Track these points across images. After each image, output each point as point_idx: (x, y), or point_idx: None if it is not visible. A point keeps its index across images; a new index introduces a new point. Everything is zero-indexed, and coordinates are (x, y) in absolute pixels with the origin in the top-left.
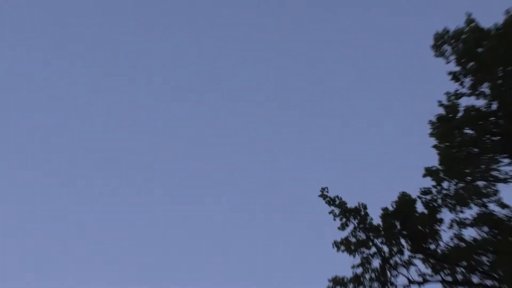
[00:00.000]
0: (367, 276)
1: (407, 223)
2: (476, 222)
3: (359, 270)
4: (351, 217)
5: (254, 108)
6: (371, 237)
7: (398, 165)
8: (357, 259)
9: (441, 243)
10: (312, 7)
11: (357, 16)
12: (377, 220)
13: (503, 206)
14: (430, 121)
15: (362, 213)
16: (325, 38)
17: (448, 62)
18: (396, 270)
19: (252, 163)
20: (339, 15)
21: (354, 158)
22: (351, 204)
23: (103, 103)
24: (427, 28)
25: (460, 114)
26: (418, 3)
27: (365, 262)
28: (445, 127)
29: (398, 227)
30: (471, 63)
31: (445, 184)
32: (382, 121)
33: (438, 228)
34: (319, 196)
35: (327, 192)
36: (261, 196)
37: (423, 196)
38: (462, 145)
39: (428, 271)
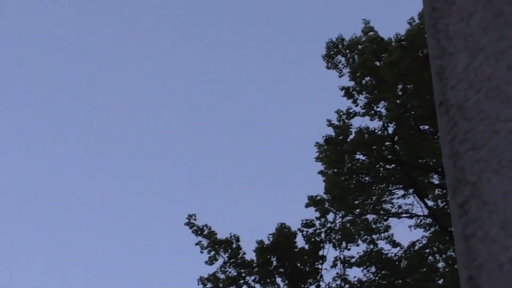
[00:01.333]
0: None
1: (285, 259)
2: (363, 261)
3: None
4: (221, 250)
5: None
6: (243, 274)
7: (278, 192)
8: None
9: (322, 283)
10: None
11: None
12: (251, 255)
13: (394, 244)
14: (317, 143)
15: (234, 246)
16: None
17: (341, 76)
18: None
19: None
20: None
21: (227, 181)
22: (222, 235)
23: None
24: (318, 34)
25: (351, 137)
26: (309, 4)
27: None
28: (334, 151)
29: (275, 263)
30: (367, 78)
31: (330, 216)
32: (261, 140)
33: (319, 266)
34: (185, 224)
35: (195, 219)
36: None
37: (305, 229)
38: (352, 172)
39: None
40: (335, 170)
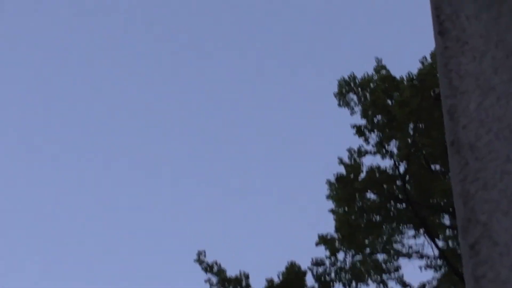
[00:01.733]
0: None
1: None
2: None
3: None
4: (230, 287)
5: None
6: None
7: (288, 229)
8: None
9: None
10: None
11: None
12: None
13: (405, 285)
14: (328, 181)
15: (244, 283)
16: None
17: (353, 114)
18: None
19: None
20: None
21: (237, 219)
22: (231, 272)
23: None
24: (330, 71)
25: (363, 175)
26: (324, 40)
27: None
28: (345, 190)
29: None
30: (379, 117)
31: (340, 255)
32: (272, 176)
33: None
34: (195, 261)
35: (205, 256)
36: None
37: (315, 268)
38: (363, 211)
39: None
40: (346, 208)
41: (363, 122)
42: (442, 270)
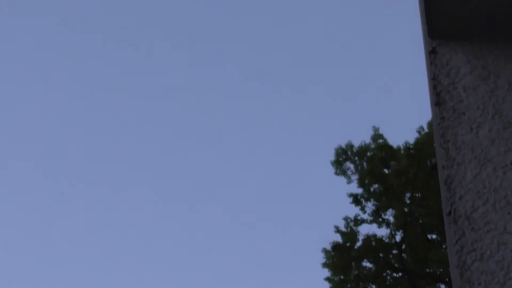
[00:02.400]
0: None
1: None
2: None
3: None
4: None
5: None
6: None
7: None
8: None
9: None
10: None
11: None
12: None
13: None
14: (324, 249)
15: None
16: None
17: (349, 182)
18: None
19: None
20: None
21: (232, 281)
22: None
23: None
24: (326, 139)
25: (359, 244)
26: (322, 107)
27: None
28: (341, 258)
29: None
30: (376, 186)
31: None
32: (267, 243)
33: None
34: None
35: None
36: None
37: None
38: (359, 279)
39: None
40: (342, 277)
41: (359, 190)
42: None
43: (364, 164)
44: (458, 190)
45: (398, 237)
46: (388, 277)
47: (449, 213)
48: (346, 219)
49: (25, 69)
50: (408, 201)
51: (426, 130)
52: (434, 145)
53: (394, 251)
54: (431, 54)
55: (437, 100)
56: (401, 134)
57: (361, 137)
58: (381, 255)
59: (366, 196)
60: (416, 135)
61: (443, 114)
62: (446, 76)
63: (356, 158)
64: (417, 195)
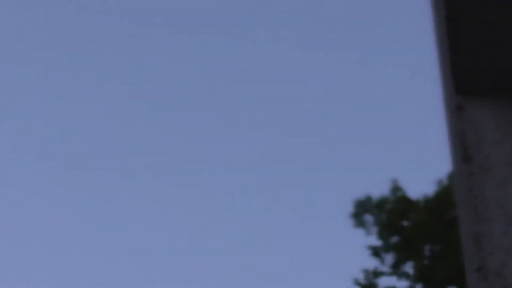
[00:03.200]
0: None
1: None
2: None
3: None
4: None
5: None
6: None
7: None
8: None
9: None
10: None
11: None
12: None
13: None
14: None
15: None
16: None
17: (368, 234)
18: None
19: None
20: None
21: None
22: None
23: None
24: (343, 190)
25: None
26: (339, 157)
27: None
28: None
29: None
30: (395, 238)
31: None
32: None
33: None
34: None
35: None
36: None
37: None
38: None
39: None
40: None
41: (378, 242)
42: None
43: (383, 216)
44: (487, 246)
45: None
46: None
47: (479, 269)
48: (365, 271)
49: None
50: (427, 254)
51: (444, 182)
52: (456, 199)
53: None
54: (458, 110)
55: (465, 156)
56: (420, 186)
57: (378, 188)
58: None
59: (385, 248)
60: (435, 187)
61: (471, 170)
62: (473, 132)
63: (375, 211)
64: (436, 248)
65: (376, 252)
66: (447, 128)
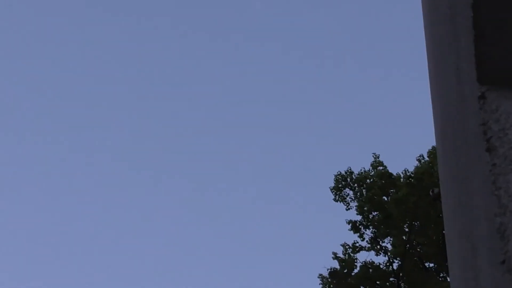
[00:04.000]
0: None
1: None
2: None
3: None
4: None
5: None
6: None
7: None
8: None
9: None
10: None
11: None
12: None
13: None
14: (320, 275)
15: None
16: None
17: (348, 209)
18: None
19: None
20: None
21: None
22: None
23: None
24: (326, 164)
25: (356, 271)
26: (322, 133)
27: None
28: (338, 285)
29: None
30: (375, 213)
31: None
32: (261, 266)
33: None
34: None
35: None
36: None
37: None
38: None
39: None
40: None
41: (358, 217)
42: None
43: (364, 191)
44: None
45: (395, 265)
46: None
47: (503, 261)
48: (344, 245)
49: None
50: (407, 230)
51: (426, 158)
52: (438, 174)
53: (392, 279)
54: (480, 99)
55: (488, 146)
56: (401, 162)
57: (361, 164)
58: (378, 283)
59: (365, 223)
60: (416, 163)
61: (494, 161)
62: (496, 122)
63: (356, 185)
64: (416, 224)
65: (355, 226)
66: (468, 118)
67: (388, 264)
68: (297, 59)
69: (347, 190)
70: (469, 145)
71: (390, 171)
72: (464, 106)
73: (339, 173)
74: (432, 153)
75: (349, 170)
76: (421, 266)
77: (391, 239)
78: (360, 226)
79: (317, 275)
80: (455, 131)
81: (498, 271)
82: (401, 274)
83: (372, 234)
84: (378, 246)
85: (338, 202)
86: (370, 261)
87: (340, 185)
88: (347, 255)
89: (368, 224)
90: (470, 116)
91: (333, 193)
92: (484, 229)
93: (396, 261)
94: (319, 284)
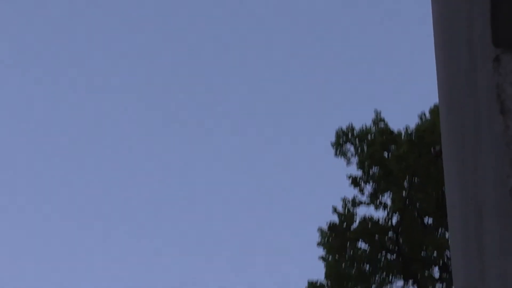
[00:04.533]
0: None
1: None
2: None
3: None
4: None
5: None
6: None
7: (278, 273)
8: None
9: None
10: None
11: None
12: None
13: None
14: (320, 228)
15: None
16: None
17: (349, 164)
18: None
19: None
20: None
21: (224, 259)
22: None
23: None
24: (328, 120)
25: (355, 225)
26: (323, 88)
27: None
28: (337, 238)
29: None
30: (375, 169)
31: None
32: (264, 220)
33: None
34: None
35: None
36: None
37: None
38: (354, 260)
39: None
40: (337, 257)
41: (359, 173)
42: None
43: (365, 147)
44: None
45: (394, 220)
46: (383, 259)
47: None
48: (344, 200)
49: None
50: (406, 186)
51: (427, 116)
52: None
53: (390, 234)
54: (495, 62)
55: (502, 108)
56: (403, 118)
57: (362, 120)
58: (376, 237)
59: (365, 178)
60: (418, 120)
61: (507, 123)
62: (510, 84)
63: (357, 141)
64: (416, 180)
65: (355, 181)
66: (481, 79)
67: (387, 219)
68: (296, 11)
69: (348, 145)
70: (481, 107)
71: (391, 127)
72: (476, 68)
73: (340, 128)
74: (434, 111)
75: (351, 126)
76: (419, 222)
77: (391, 195)
78: (360, 181)
79: (317, 228)
80: (464, 92)
81: (508, 236)
82: (399, 229)
83: (372, 190)
84: (378, 201)
85: (339, 157)
86: (369, 216)
87: (341, 141)
88: (346, 209)
89: (368, 179)
90: (483, 78)
91: (334, 148)
92: (493, 192)
93: (395, 216)
94: (319, 237)
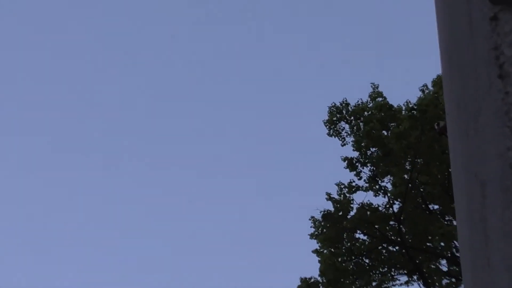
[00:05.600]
0: None
1: None
2: None
3: None
4: None
5: None
6: None
7: (267, 269)
8: None
9: None
10: None
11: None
12: None
13: None
14: (312, 217)
15: None
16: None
17: (344, 144)
18: None
19: None
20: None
21: (214, 256)
22: None
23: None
24: (320, 96)
25: (352, 213)
26: (316, 63)
27: None
28: (332, 228)
29: None
30: (373, 149)
31: None
32: (251, 210)
33: None
34: None
35: None
36: None
37: None
38: (351, 253)
39: None
40: (332, 249)
41: (355, 154)
42: None
43: (361, 125)
44: None
45: (396, 207)
46: (384, 251)
47: None
48: (339, 185)
49: None
50: (408, 168)
51: (430, 88)
52: (443, 105)
53: (392, 223)
54: (492, 21)
55: (500, 72)
56: (403, 92)
57: (358, 95)
58: (376, 226)
59: (362, 160)
60: (420, 94)
61: (507, 89)
62: (509, 46)
63: (352, 118)
64: (419, 161)
65: (352, 164)
66: (478, 41)
67: (387, 206)
68: None
69: (342, 123)
70: (479, 72)
71: (390, 102)
72: (473, 29)
73: (333, 104)
74: (437, 82)
75: (345, 102)
76: (424, 208)
77: (391, 178)
78: (357, 164)
79: (309, 217)
80: (463, 57)
81: (509, 210)
82: (402, 217)
83: (370, 173)
84: (377, 186)
85: (333, 137)
86: (368, 202)
87: (334, 118)
88: (342, 195)
89: (366, 161)
90: (480, 40)
91: (327, 127)
92: (494, 165)
93: (397, 203)
94: (311, 227)
